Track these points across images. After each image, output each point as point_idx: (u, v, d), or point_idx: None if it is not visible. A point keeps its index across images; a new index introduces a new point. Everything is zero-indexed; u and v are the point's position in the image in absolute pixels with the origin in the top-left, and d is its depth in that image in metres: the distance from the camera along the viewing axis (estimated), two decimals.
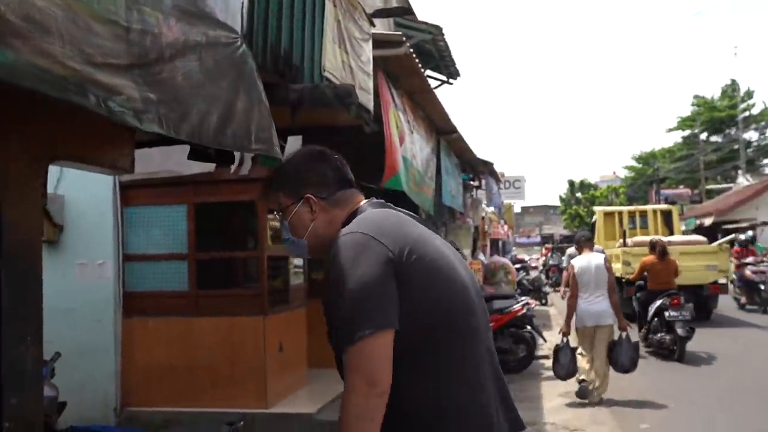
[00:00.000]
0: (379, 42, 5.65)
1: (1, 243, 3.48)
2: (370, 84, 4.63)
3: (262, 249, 7.47)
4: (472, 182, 15.15)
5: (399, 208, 2.10)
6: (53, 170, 7.28)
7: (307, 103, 3.43)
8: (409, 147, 6.60)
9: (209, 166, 7.37)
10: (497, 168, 17.68)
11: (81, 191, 7.55)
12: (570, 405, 8.20)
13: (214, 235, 7.84)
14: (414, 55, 6.75)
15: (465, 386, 1.86)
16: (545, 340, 11.02)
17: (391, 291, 1.81)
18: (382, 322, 1.77)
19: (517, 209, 55.22)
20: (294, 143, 8.09)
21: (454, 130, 10.06)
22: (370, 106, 4.68)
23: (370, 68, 4.86)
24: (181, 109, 2.06)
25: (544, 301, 20.40)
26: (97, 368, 7.52)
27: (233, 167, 7.29)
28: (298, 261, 8.64)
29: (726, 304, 17.14)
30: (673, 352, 10.75)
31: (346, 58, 4.24)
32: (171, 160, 7.29)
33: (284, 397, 7.49)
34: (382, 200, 2.13)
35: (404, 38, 6.21)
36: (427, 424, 1.81)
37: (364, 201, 2.12)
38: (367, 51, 4.90)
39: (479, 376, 1.90)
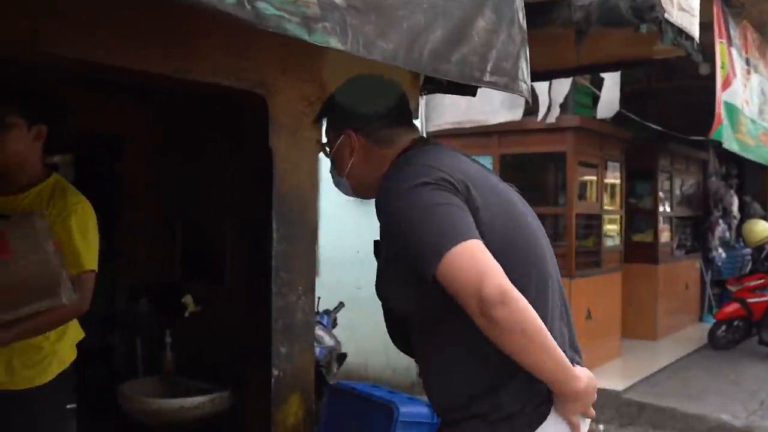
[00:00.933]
0: None
1: (272, 191, 3.42)
2: (695, 4, 3.72)
3: (570, 205, 6.88)
4: None
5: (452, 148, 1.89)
6: None
7: (595, 21, 2.75)
8: (740, 91, 5.39)
9: (516, 115, 6.93)
10: None
11: None
12: None
13: (520, 188, 7.37)
14: None
15: None
16: None
17: (462, 207, 1.63)
18: (464, 234, 1.56)
19: None
20: (612, 81, 7.26)
21: None
22: (694, 32, 3.77)
23: None
24: (383, 21, 1.59)
25: None
26: None
27: (540, 115, 6.73)
28: (611, 225, 7.83)
29: None
30: None
31: None
32: (476, 109, 6.97)
33: (591, 368, 6.78)
34: (436, 140, 1.94)
35: None
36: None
37: (414, 140, 1.90)
38: None
39: (552, 323, 1.71)
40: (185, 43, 2.97)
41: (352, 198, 2.05)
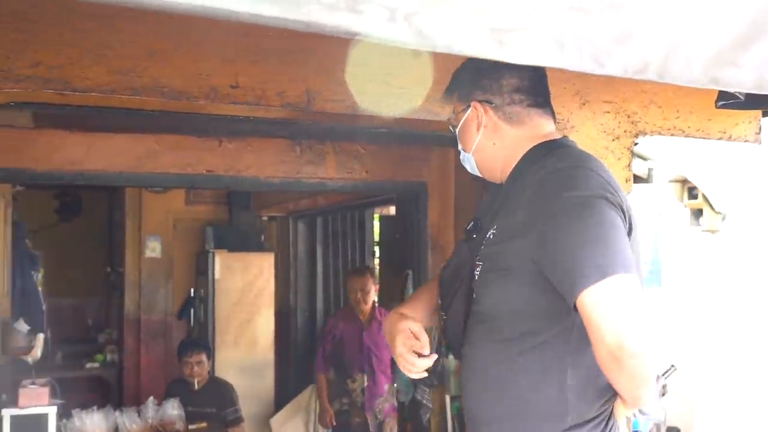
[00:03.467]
0: None
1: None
2: None
3: None
4: None
5: None
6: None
7: None
8: None
9: None
10: None
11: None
12: None
13: None
14: None
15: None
16: None
17: (627, 246, 1.51)
18: (629, 267, 1.46)
19: None
20: None
21: None
22: None
23: None
24: (621, 18, 1.18)
25: None
26: None
27: None
28: None
29: None
30: None
31: None
32: None
33: None
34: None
35: None
36: None
37: (561, 137, 1.77)
38: None
39: None
40: None
41: None
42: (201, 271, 6.72)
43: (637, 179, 4.79)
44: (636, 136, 3.16)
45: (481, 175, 1.85)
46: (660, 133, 3.20)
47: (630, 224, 1.57)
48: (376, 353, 4.43)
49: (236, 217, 6.93)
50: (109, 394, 6.93)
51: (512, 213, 1.63)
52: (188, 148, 3.65)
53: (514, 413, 1.62)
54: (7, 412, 3.71)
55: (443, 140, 3.70)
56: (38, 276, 4.59)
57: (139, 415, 4.19)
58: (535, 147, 1.71)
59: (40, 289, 4.62)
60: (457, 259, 1.80)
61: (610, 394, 1.61)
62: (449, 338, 1.81)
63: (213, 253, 6.47)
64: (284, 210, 6.97)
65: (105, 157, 3.50)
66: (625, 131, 3.14)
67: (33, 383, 3.88)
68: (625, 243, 1.49)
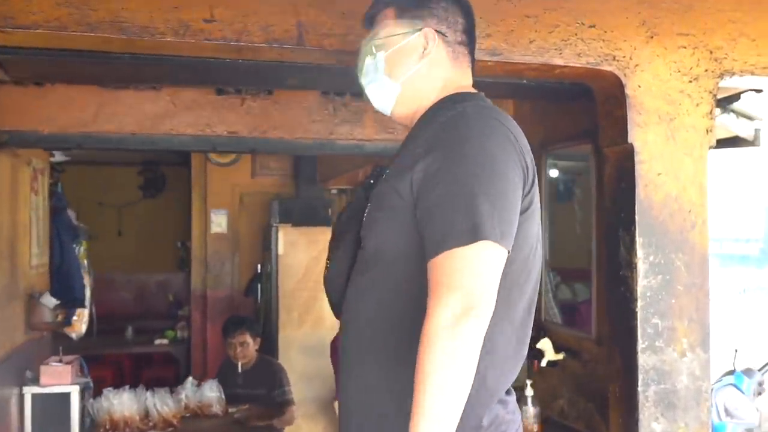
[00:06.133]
0: None
1: (635, 205, 2.48)
2: None
3: None
4: None
5: None
6: None
7: None
8: None
9: None
10: None
11: None
12: None
13: None
14: None
15: (514, 337, 1.51)
16: None
17: (517, 209, 1.43)
18: (506, 239, 1.38)
19: None
20: None
21: None
22: None
23: None
24: None
25: None
26: None
27: None
28: None
29: None
30: None
31: None
32: None
33: None
34: None
35: None
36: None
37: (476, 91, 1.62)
38: None
39: (526, 332, 1.56)
40: (491, 15, 2.28)
41: None
42: (266, 246, 6.45)
43: (741, 142, 4.13)
44: (720, 76, 2.56)
45: (389, 113, 1.66)
46: (752, 73, 2.60)
47: (532, 184, 1.49)
48: None
49: (303, 191, 6.62)
50: (178, 370, 6.83)
51: (409, 151, 1.48)
52: (207, 106, 3.31)
53: (399, 371, 1.40)
54: (29, 390, 3.53)
55: (497, 90, 3.21)
56: (80, 249, 4.39)
57: (172, 396, 3.93)
58: (453, 95, 1.58)
59: (85, 262, 4.42)
60: (353, 205, 1.68)
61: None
62: (330, 291, 1.65)
63: (276, 227, 6.18)
64: (351, 181, 6.59)
65: (116, 117, 3.22)
66: (705, 70, 2.55)
67: (60, 360, 3.67)
68: (511, 211, 1.40)
